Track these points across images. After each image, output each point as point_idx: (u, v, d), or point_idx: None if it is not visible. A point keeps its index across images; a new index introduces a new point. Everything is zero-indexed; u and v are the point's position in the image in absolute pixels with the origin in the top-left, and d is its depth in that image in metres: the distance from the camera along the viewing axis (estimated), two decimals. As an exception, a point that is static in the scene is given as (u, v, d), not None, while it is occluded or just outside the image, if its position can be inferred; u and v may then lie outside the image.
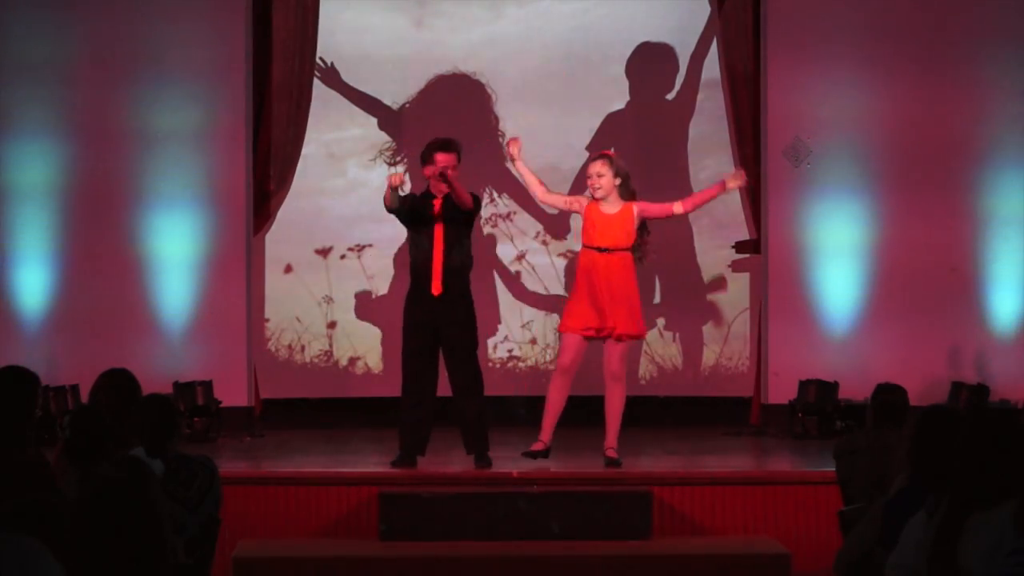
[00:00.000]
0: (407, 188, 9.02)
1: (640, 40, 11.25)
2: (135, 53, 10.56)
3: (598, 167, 8.82)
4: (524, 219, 11.21)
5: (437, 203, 8.83)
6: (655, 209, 8.86)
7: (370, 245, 11.08)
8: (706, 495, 8.53)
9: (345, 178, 11.23)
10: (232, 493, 7.77)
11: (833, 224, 10.74)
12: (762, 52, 10.84)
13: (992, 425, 4.45)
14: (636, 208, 8.80)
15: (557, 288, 11.21)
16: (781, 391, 10.63)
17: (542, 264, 11.23)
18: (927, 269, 10.73)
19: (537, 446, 8.85)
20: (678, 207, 8.93)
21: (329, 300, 11.17)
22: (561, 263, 11.22)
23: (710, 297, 11.28)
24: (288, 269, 11.17)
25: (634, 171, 8.97)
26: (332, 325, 11.18)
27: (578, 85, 11.17)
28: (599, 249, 8.78)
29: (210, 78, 10.60)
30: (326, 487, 8.51)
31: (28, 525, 3.94)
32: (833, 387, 10.55)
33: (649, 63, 11.25)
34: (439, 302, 8.77)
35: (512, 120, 11.19)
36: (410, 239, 8.96)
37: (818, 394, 10.53)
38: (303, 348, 11.16)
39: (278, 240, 11.11)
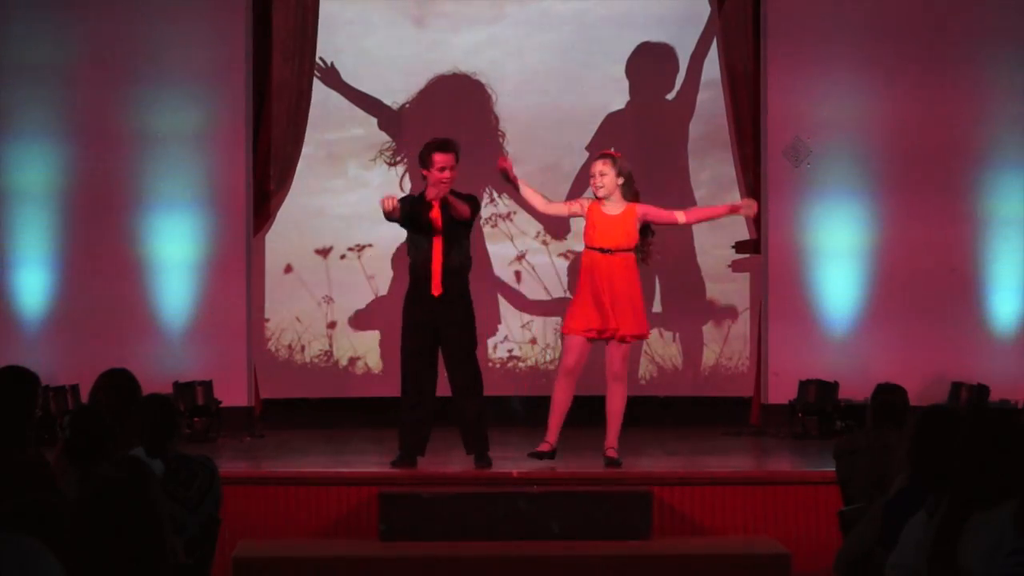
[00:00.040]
0: (407, 187, 9.03)
1: (640, 40, 11.25)
2: (135, 53, 10.56)
3: (601, 166, 8.83)
4: (524, 219, 11.20)
5: (436, 204, 8.83)
6: (658, 214, 8.87)
7: (370, 245, 11.08)
8: (706, 495, 8.53)
9: (345, 178, 11.23)
10: (232, 493, 7.77)
11: (833, 224, 10.74)
12: (762, 52, 10.84)
13: (992, 425, 4.45)
14: (639, 210, 8.81)
15: (557, 288, 11.21)
16: (781, 391, 10.63)
17: (542, 264, 11.23)
18: (927, 269, 10.74)
19: (543, 447, 8.85)
20: (681, 217, 8.95)
21: (329, 300, 11.17)
22: (561, 263, 11.22)
23: (709, 297, 11.29)
24: (288, 269, 11.18)
25: (634, 171, 8.97)
26: (332, 325, 11.18)
27: (578, 85, 11.17)
28: (601, 250, 8.78)
29: (210, 78, 10.60)
30: (326, 487, 8.51)
31: (28, 525, 3.94)
32: (833, 387, 10.55)
33: (649, 63, 11.25)
34: (439, 302, 8.78)
35: (512, 120, 11.19)
36: (409, 240, 8.95)
37: (818, 394, 10.53)
38: (303, 348, 11.16)
39: (278, 240, 11.11)
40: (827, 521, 7.97)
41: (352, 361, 11.16)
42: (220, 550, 6.68)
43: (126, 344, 10.33)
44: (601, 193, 8.81)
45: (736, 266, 11.19)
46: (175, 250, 10.61)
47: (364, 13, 11.24)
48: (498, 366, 11.18)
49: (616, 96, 11.25)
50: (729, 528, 8.50)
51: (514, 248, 11.22)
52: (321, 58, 11.10)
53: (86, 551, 3.96)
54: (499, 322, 11.21)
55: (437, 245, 8.77)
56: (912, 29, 10.73)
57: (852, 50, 10.71)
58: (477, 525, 8.26)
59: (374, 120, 11.23)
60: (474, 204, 8.91)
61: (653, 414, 10.80)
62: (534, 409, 10.98)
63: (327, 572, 8.09)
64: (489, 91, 11.22)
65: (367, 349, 11.18)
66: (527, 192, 8.98)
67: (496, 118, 11.23)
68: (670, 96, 11.30)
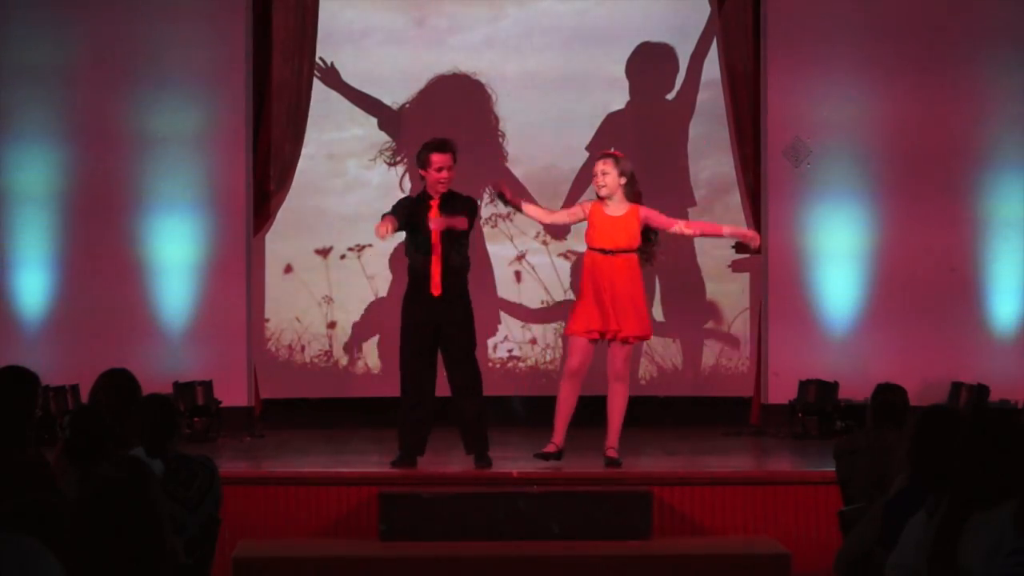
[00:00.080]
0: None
1: (640, 40, 11.24)
2: (135, 54, 10.56)
3: (603, 165, 8.86)
4: (524, 219, 11.15)
5: (435, 204, 8.84)
6: (659, 220, 8.88)
7: (370, 245, 11.08)
8: (706, 495, 8.53)
9: (345, 178, 11.23)
10: (232, 493, 7.77)
11: (833, 224, 10.74)
12: (762, 52, 10.84)
13: (992, 425, 4.45)
14: (642, 213, 8.82)
15: (557, 289, 11.20)
16: (781, 391, 10.63)
17: (542, 264, 11.22)
18: (927, 269, 10.73)
19: (549, 448, 8.86)
20: (679, 227, 8.94)
21: (329, 300, 11.16)
22: (561, 263, 11.21)
23: (709, 297, 11.29)
24: (288, 269, 11.17)
25: (635, 171, 8.97)
26: (332, 325, 11.18)
27: (578, 85, 11.16)
28: (603, 251, 8.80)
29: (210, 78, 10.60)
30: (326, 487, 8.51)
31: (28, 525, 3.94)
32: (833, 387, 10.55)
33: (649, 63, 11.25)
34: (438, 303, 8.78)
35: (512, 120, 11.19)
36: (408, 240, 8.95)
37: (818, 394, 10.53)
38: (303, 348, 11.16)
39: (278, 240, 11.11)
40: (827, 521, 7.97)
41: (352, 361, 11.15)
42: (220, 550, 6.67)
43: (126, 344, 10.33)
44: (603, 192, 8.83)
45: (736, 266, 11.19)
46: (175, 250, 10.61)
47: (364, 13, 11.24)
48: (498, 366, 11.18)
49: (616, 96, 11.25)
50: (729, 528, 8.50)
51: (514, 248, 11.22)
52: (321, 58, 11.10)
53: (86, 551, 3.96)
54: (499, 322, 11.21)
55: (436, 245, 8.77)
56: (912, 29, 10.72)
57: (852, 50, 10.71)
58: (477, 525, 8.26)
59: (374, 120, 11.23)
60: (471, 208, 8.91)
61: (653, 414, 10.80)
62: (534, 409, 10.99)
63: (327, 572, 8.09)
64: (489, 91, 11.22)
65: (367, 349, 11.17)
66: (528, 209, 9.09)
67: (496, 118, 11.23)
68: (670, 96, 11.30)
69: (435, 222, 8.69)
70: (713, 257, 11.21)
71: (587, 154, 11.07)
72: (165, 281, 10.62)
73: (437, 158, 8.81)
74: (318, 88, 11.05)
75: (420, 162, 8.89)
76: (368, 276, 11.11)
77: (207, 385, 10.40)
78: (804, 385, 10.54)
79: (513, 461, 8.98)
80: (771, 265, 10.79)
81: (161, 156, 10.59)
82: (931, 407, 5.33)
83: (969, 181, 10.76)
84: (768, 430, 10.64)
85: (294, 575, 8.18)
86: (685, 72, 11.24)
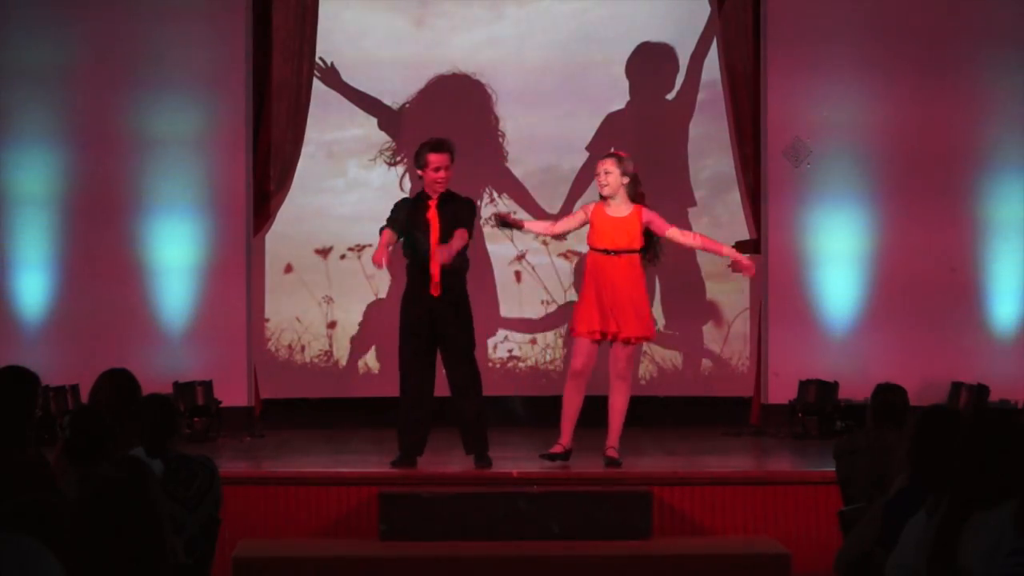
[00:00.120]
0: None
1: (640, 40, 11.24)
2: (134, 55, 10.56)
3: (606, 165, 8.88)
4: (524, 219, 11.18)
5: (433, 204, 8.84)
6: (658, 225, 8.87)
7: (370, 245, 11.04)
8: (706, 495, 8.53)
9: (345, 178, 11.23)
10: (232, 493, 7.77)
11: (833, 224, 10.74)
12: (762, 52, 10.84)
13: (992, 425, 4.45)
14: (645, 215, 8.83)
15: (557, 289, 11.20)
16: (781, 391, 10.64)
17: (542, 264, 11.22)
18: (927, 269, 10.73)
19: (556, 449, 8.86)
20: (673, 233, 8.91)
21: (329, 300, 11.16)
22: (561, 263, 11.21)
23: (709, 297, 11.28)
24: (288, 269, 11.17)
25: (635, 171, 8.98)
26: (332, 325, 11.18)
27: (578, 85, 11.17)
28: (605, 251, 8.81)
29: (210, 79, 10.60)
30: (326, 487, 8.51)
31: (28, 525, 3.93)
32: (833, 387, 10.55)
33: (649, 63, 11.25)
34: (437, 303, 8.78)
35: (512, 120, 11.19)
36: (407, 241, 8.94)
37: (818, 394, 10.53)
38: (303, 348, 11.16)
39: (278, 240, 11.11)
40: (827, 521, 7.97)
41: (352, 361, 11.16)
42: (220, 550, 6.68)
43: (126, 344, 10.33)
44: (606, 192, 8.84)
45: (736, 266, 11.17)
46: (175, 250, 10.61)
47: (364, 13, 11.24)
48: (498, 366, 11.17)
49: (616, 96, 11.25)
50: (729, 528, 8.50)
51: (514, 248, 11.22)
52: (321, 58, 11.10)
53: (86, 551, 3.96)
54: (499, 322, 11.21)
55: (435, 245, 8.77)
56: (912, 30, 10.72)
57: (852, 51, 10.71)
58: (477, 525, 8.26)
59: (374, 120, 11.23)
60: (470, 211, 8.90)
61: (653, 414, 10.80)
62: (534, 409, 11.00)
63: (327, 572, 8.09)
64: (489, 91, 11.22)
65: (367, 349, 11.17)
66: (532, 226, 9.23)
67: (496, 118, 11.23)
68: (670, 96, 11.29)
69: (441, 255, 8.68)
70: (713, 257, 11.16)
71: (587, 154, 11.08)
72: (165, 281, 10.62)
73: (434, 158, 8.81)
74: (318, 88, 11.05)
75: (417, 162, 8.90)
76: (368, 276, 11.11)
77: (207, 385, 10.41)
78: (804, 385, 10.54)
79: (513, 461, 8.98)
80: (771, 265, 10.79)
81: (161, 156, 10.59)
82: (931, 407, 5.33)
83: (969, 181, 10.76)
84: (768, 430, 10.64)
85: (294, 575, 8.18)
86: (685, 72, 11.24)
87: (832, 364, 10.63)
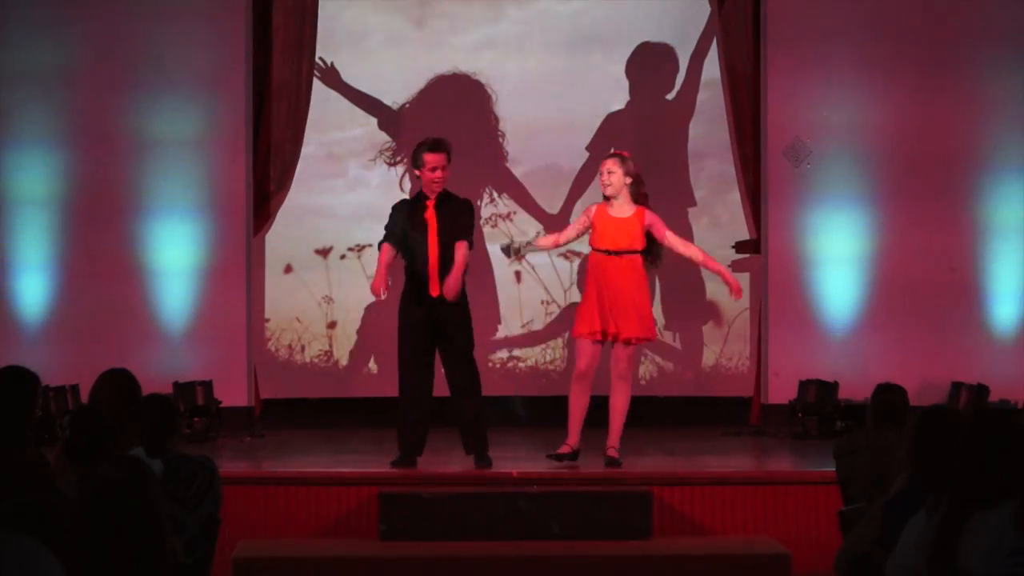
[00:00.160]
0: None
1: (640, 40, 11.24)
2: (134, 55, 10.55)
3: (610, 165, 8.89)
4: (524, 219, 11.20)
5: (431, 204, 8.84)
6: (658, 230, 8.86)
7: (370, 245, 11.05)
8: (706, 495, 8.53)
9: (345, 178, 11.23)
10: (232, 493, 7.77)
11: (833, 224, 10.74)
12: (762, 52, 10.83)
13: (992, 425, 4.45)
14: (647, 218, 8.83)
15: (557, 289, 11.20)
16: (781, 391, 10.63)
17: (542, 264, 11.22)
18: (927, 269, 10.73)
19: (563, 449, 8.86)
20: (672, 240, 8.90)
21: (329, 300, 11.16)
22: (561, 263, 11.21)
23: (709, 297, 11.28)
24: (288, 269, 11.18)
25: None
26: (332, 325, 11.18)
27: (578, 85, 11.16)
28: (606, 252, 8.81)
29: (210, 79, 10.60)
30: (326, 487, 8.51)
31: (28, 525, 3.93)
32: (833, 387, 10.55)
33: (649, 63, 11.24)
34: (436, 303, 8.78)
35: (512, 120, 11.19)
36: (405, 242, 8.93)
37: (818, 394, 10.53)
38: (303, 348, 11.16)
39: (278, 240, 11.11)
40: (827, 521, 7.96)
41: (352, 361, 11.16)
42: (220, 550, 6.68)
43: (126, 344, 10.33)
44: (608, 192, 8.85)
45: (736, 266, 11.17)
46: (175, 251, 10.61)
47: (364, 13, 11.24)
48: (498, 366, 11.17)
49: (616, 96, 11.25)
50: (729, 528, 8.50)
51: (514, 248, 11.21)
52: (321, 58, 11.10)
53: (86, 551, 3.96)
54: (499, 322, 11.20)
55: (433, 245, 8.77)
56: (912, 30, 10.72)
57: (852, 50, 10.71)
58: (477, 525, 8.26)
59: (374, 120, 11.23)
60: (468, 213, 8.89)
61: (653, 414, 10.80)
62: (534, 409, 11.00)
63: (327, 572, 8.09)
64: (489, 91, 11.22)
65: (367, 350, 11.17)
66: (541, 243, 9.20)
67: (496, 118, 11.23)
68: (670, 96, 11.29)
69: (449, 293, 8.68)
70: (713, 256, 11.18)
71: (587, 154, 11.08)
72: (165, 281, 10.62)
73: (431, 158, 8.81)
74: (318, 88, 11.05)
75: (414, 162, 8.91)
76: (368, 276, 11.07)
77: (207, 385, 10.40)
78: (804, 385, 10.54)
79: (513, 461, 8.98)
80: (771, 265, 10.79)
81: (161, 157, 10.58)
82: (931, 407, 5.33)
83: (969, 181, 10.76)
84: (768, 430, 10.63)
85: (294, 575, 8.18)
86: (685, 72, 11.24)
87: (832, 364, 10.63)
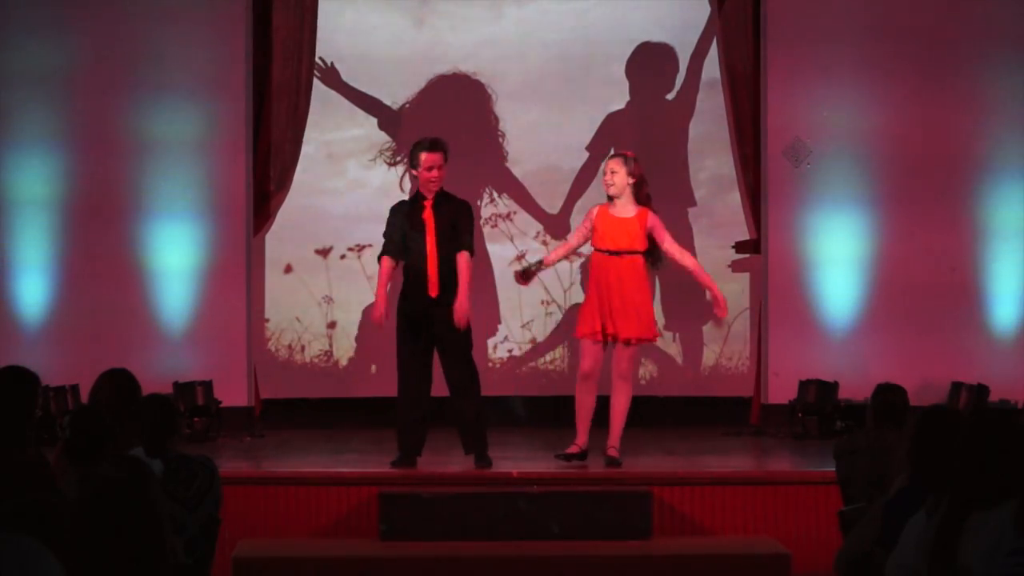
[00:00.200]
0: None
1: (640, 40, 11.24)
2: (134, 56, 10.56)
3: (613, 164, 8.90)
4: (524, 219, 11.21)
5: (428, 204, 8.84)
6: (658, 232, 8.86)
7: (370, 245, 11.06)
8: (706, 495, 8.53)
9: (345, 178, 11.23)
10: (232, 493, 7.77)
11: (833, 224, 10.74)
12: (762, 52, 10.84)
13: (992, 425, 4.45)
14: (650, 220, 8.83)
15: (557, 289, 11.20)
16: (781, 391, 10.63)
17: (542, 264, 11.20)
18: (927, 270, 10.73)
19: (572, 449, 8.87)
20: (670, 247, 8.89)
21: (329, 300, 11.16)
22: (561, 263, 11.17)
23: (709, 297, 11.27)
24: (288, 269, 11.18)
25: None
26: (332, 325, 11.18)
27: (578, 85, 11.17)
28: (608, 252, 8.81)
29: (210, 80, 10.60)
30: (326, 487, 8.51)
31: (28, 525, 3.93)
32: (833, 387, 10.55)
33: (649, 63, 11.24)
34: (435, 303, 8.78)
35: (512, 120, 11.19)
36: (404, 243, 8.92)
37: (818, 394, 10.53)
38: (303, 348, 11.16)
39: (278, 240, 11.11)
40: (827, 521, 7.96)
41: (352, 361, 11.15)
42: (220, 550, 6.68)
43: (127, 345, 10.33)
44: (611, 192, 8.85)
45: (736, 266, 11.19)
46: (175, 251, 10.61)
47: (364, 13, 11.23)
48: (498, 366, 11.17)
49: (616, 96, 11.25)
50: (729, 528, 8.50)
51: (514, 248, 11.22)
52: (321, 58, 11.10)
53: (86, 551, 3.96)
54: (499, 322, 11.20)
55: (432, 246, 8.77)
56: (912, 31, 10.72)
57: (852, 51, 10.71)
58: (477, 525, 8.26)
59: (374, 120, 11.23)
60: (467, 214, 8.89)
61: (653, 414, 10.80)
62: (534, 409, 11.00)
63: (327, 572, 8.09)
64: (489, 91, 11.22)
65: (366, 350, 11.17)
66: (551, 257, 9.18)
67: (496, 118, 11.23)
68: (670, 96, 11.29)
69: (459, 320, 8.69)
70: (713, 257, 11.19)
71: (587, 154, 11.08)
72: (165, 282, 10.62)
73: (427, 157, 8.81)
74: (318, 88, 11.05)
75: (411, 162, 8.91)
76: (368, 276, 11.10)
77: (207, 385, 10.41)
78: (804, 385, 10.54)
79: (513, 461, 8.98)
80: (771, 265, 10.79)
81: (161, 157, 10.58)
82: (931, 407, 5.33)
83: (969, 182, 10.76)
84: (768, 430, 10.63)
85: (294, 575, 8.18)
86: (685, 72, 11.24)
87: (832, 364, 10.63)
